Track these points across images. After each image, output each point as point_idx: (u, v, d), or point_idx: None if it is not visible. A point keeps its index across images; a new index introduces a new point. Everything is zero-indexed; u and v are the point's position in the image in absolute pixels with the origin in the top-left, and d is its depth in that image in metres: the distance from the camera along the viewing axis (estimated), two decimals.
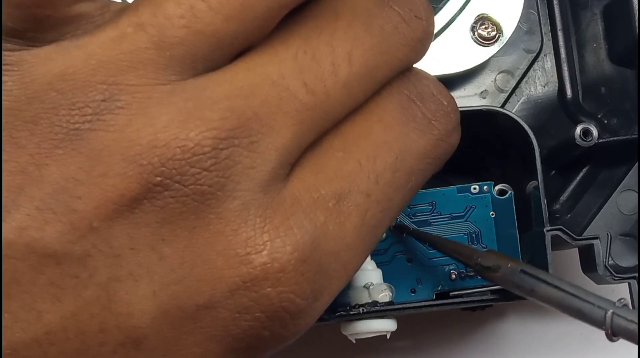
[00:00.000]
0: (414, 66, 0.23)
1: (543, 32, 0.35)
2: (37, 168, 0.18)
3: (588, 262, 0.33)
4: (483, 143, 0.35)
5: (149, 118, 0.18)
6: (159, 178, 0.18)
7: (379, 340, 0.32)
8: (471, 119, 0.32)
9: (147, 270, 0.18)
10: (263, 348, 0.19)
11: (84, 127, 0.18)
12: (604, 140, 0.33)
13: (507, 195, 0.34)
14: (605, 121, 0.34)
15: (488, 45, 0.33)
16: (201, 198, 0.18)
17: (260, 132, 0.19)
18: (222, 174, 0.18)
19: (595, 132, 0.33)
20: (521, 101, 0.35)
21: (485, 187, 0.34)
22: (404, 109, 0.21)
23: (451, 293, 0.33)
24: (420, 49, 0.22)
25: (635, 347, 0.35)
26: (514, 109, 0.35)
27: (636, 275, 0.33)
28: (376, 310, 0.30)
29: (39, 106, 0.18)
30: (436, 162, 0.23)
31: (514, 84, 0.35)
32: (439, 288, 0.34)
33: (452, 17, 0.33)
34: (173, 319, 0.18)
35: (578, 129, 0.33)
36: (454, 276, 0.33)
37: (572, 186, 0.35)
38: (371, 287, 0.30)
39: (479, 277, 0.33)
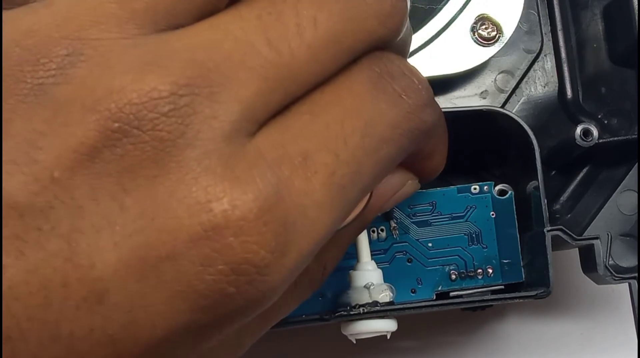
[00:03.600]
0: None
1: (543, 32, 0.35)
2: (3, 124, 0.18)
3: (588, 262, 0.33)
4: (483, 143, 0.35)
5: (109, 68, 0.18)
6: (116, 124, 0.18)
7: (379, 340, 0.32)
8: (471, 119, 0.32)
9: (108, 221, 0.18)
10: (233, 308, 0.19)
11: (48, 82, 0.18)
12: (604, 140, 0.33)
13: (507, 195, 0.34)
14: (606, 121, 0.34)
15: (488, 45, 0.33)
16: (161, 145, 0.18)
17: (222, 84, 0.19)
18: (181, 121, 0.18)
19: (595, 132, 0.33)
20: (521, 101, 0.35)
21: (485, 187, 0.34)
22: (374, 83, 0.21)
23: (451, 293, 0.33)
24: (391, 25, 0.21)
25: (635, 348, 0.35)
26: (514, 110, 0.35)
27: (636, 275, 0.33)
28: (376, 310, 0.30)
29: (6, 64, 0.18)
30: (408, 135, 0.22)
31: (514, 84, 0.35)
32: (439, 288, 0.34)
33: (452, 17, 0.33)
34: (135, 272, 0.18)
35: (578, 129, 0.33)
36: (454, 276, 0.34)
37: (572, 186, 0.35)
38: (372, 287, 0.30)
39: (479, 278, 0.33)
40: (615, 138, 0.33)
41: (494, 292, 0.33)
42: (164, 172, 0.18)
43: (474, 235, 0.34)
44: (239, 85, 0.19)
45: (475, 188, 0.34)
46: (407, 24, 0.23)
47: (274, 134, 0.20)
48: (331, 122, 0.20)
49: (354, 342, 0.32)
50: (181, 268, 0.18)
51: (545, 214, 0.32)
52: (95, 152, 0.18)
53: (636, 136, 0.33)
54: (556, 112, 0.35)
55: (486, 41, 0.33)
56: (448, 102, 0.34)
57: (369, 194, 0.24)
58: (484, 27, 0.33)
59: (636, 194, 0.34)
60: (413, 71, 0.23)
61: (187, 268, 0.18)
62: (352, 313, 0.30)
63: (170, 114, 0.18)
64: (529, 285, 0.33)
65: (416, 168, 0.26)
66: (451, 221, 0.34)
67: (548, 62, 0.35)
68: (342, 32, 0.20)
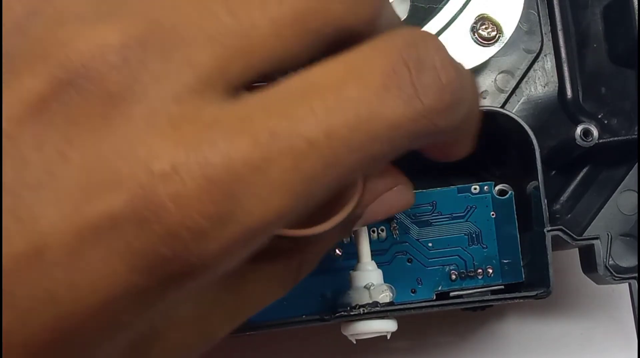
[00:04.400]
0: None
1: (543, 32, 0.35)
2: None
3: (588, 262, 0.33)
4: (483, 143, 0.35)
5: (62, 23, 0.18)
6: (64, 74, 0.18)
7: (379, 340, 0.32)
8: None
9: (52, 174, 0.17)
10: (171, 273, 0.18)
11: (6, 40, 0.18)
12: (604, 140, 0.33)
13: (507, 195, 0.34)
14: (606, 121, 0.34)
15: (488, 45, 0.33)
16: (108, 98, 0.18)
17: (177, 45, 0.18)
18: (130, 75, 0.18)
19: (595, 132, 0.33)
20: (521, 101, 0.35)
21: (485, 187, 0.34)
22: (391, 73, 0.19)
23: (451, 293, 0.33)
24: (360, 11, 0.20)
25: (635, 348, 0.35)
26: (514, 110, 0.35)
27: (636, 275, 0.33)
28: (376, 311, 0.30)
29: None
30: (412, 137, 0.20)
31: (514, 84, 0.35)
32: (439, 288, 0.34)
33: (452, 17, 0.33)
34: (74, 228, 0.17)
35: (578, 130, 0.33)
36: (454, 276, 0.34)
37: (572, 186, 0.35)
38: (372, 288, 0.30)
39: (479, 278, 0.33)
40: (615, 138, 0.33)
41: (494, 292, 0.33)
42: (110, 126, 0.18)
43: (474, 235, 0.34)
44: (195, 48, 0.18)
45: (475, 188, 0.34)
46: (394, 18, 0.22)
47: (244, 106, 0.18)
48: (318, 107, 0.18)
49: (354, 342, 0.32)
50: (119, 227, 0.17)
51: (545, 214, 0.32)
52: (43, 103, 0.18)
53: (636, 136, 0.33)
54: (556, 112, 0.35)
55: (486, 41, 0.33)
56: None
57: (355, 201, 0.23)
58: (484, 27, 0.33)
59: (636, 194, 0.34)
60: (446, 66, 0.20)
61: (125, 228, 0.17)
62: (352, 313, 0.30)
63: (119, 67, 0.18)
64: (529, 285, 0.33)
65: (429, 153, 0.24)
66: (451, 221, 0.34)
67: (548, 62, 0.35)
68: (308, 12, 0.19)
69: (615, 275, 0.33)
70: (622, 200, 0.34)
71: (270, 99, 0.19)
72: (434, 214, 0.34)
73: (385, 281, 0.31)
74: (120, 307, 0.18)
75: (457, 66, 0.20)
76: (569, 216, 0.34)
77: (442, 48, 0.20)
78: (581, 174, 0.35)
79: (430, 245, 0.34)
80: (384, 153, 0.20)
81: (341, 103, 0.19)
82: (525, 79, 0.35)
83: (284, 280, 0.25)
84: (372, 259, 0.31)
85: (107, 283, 0.18)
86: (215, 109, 0.18)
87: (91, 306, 0.18)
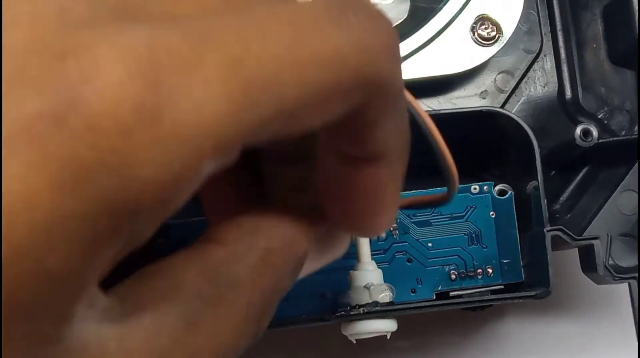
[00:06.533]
0: None
1: (543, 32, 0.35)
2: None
3: (588, 262, 0.33)
4: (483, 143, 0.35)
5: None
6: None
7: (379, 340, 0.32)
8: (471, 119, 0.32)
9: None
10: (98, 186, 0.14)
11: None
12: (604, 140, 0.33)
13: (507, 195, 0.34)
14: (605, 121, 0.34)
15: (488, 45, 0.33)
16: None
17: None
18: None
19: (595, 132, 0.33)
20: (521, 101, 0.35)
21: (485, 187, 0.34)
22: (333, 11, 0.17)
23: (451, 293, 0.33)
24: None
25: (635, 348, 0.35)
26: (513, 110, 0.35)
27: (636, 275, 0.33)
28: (376, 311, 0.30)
29: None
30: (358, 74, 0.17)
31: (514, 84, 0.35)
32: (439, 288, 0.34)
33: (452, 17, 0.33)
34: None
35: (578, 130, 0.33)
36: (454, 276, 0.34)
37: (572, 186, 0.35)
38: (372, 287, 0.30)
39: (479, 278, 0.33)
40: (615, 138, 0.33)
41: (493, 292, 0.33)
42: None
43: (474, 235, 0.34)
44: None
45: (475, 188, 0.34)
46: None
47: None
48: (263, 21, 0.16)
49: (354, 342, 0.32)
50: (30, 130, 0.14)
51: (545, 214, 0.32)
52: None
53: (636, 136, 0.33)
54: (556, 113, 0.35)
55: (486, 41, 0.33)
56: (448, 102, 0.34)
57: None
58: (484, 27, 0.33)
59: (636, 194, 0.34)
60: (378, 13, 0.18)
61: (39, 129, 0.14)
62: (352, 313, 0.30)
63: None
64: (529, 285, 0.33)
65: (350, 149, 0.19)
66: (451, 221, 0.34)
67: (548, 63, 0.35)
68: None
69: (615, 275, 0.33)
70: (622, 200, 0.34)
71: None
72: (433, 214, 0.34)
73: (385, 281, 0.31)
74: (50, 237, 0.14)
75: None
76: (569, 216, 0.34)
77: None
78: (581, 174, 0.35)
79: (430, 245, 0.34)
80: (326, 80, 0.17)
81: (284, 21, 0.17)
82: (525, 79, 0.35)
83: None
84: (372, 259, 0.31)
85: (20, 205, 0.14)
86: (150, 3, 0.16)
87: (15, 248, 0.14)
